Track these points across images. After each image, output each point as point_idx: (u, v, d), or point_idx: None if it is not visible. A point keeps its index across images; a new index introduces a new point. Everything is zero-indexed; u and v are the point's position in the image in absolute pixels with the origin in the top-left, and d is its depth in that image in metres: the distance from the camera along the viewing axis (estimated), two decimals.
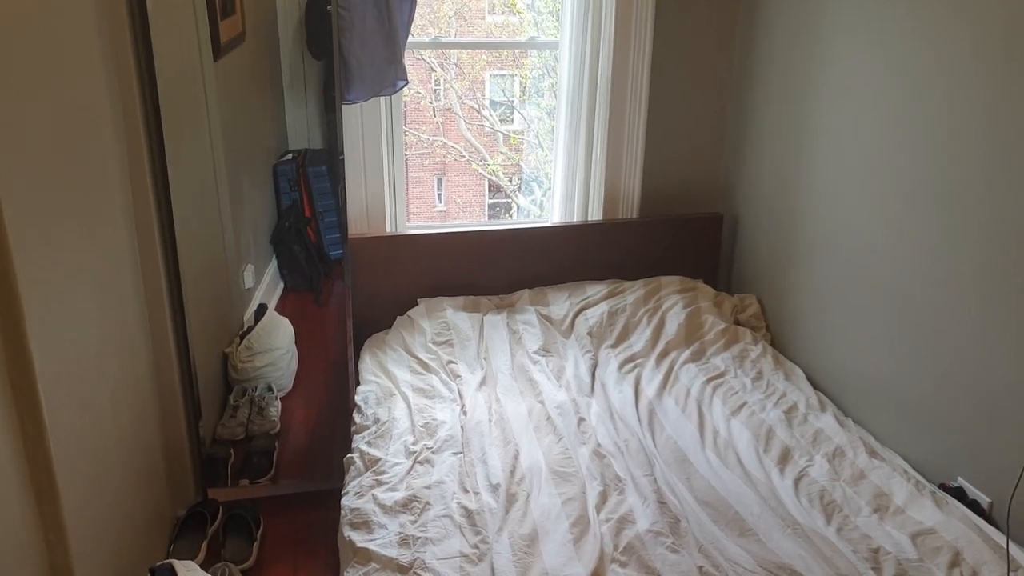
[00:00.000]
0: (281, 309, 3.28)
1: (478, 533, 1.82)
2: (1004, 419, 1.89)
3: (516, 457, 2.08)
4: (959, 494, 1.98)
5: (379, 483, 1.99)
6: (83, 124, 1.78)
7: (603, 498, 1.93)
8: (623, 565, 1.72)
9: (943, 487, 2.00)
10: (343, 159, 2.73)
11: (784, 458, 2.12)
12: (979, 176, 1.93)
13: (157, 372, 2.25)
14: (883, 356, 2.29)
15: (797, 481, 2.03)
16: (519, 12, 5.60)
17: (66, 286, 1.66)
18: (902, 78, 2.16)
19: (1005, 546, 1.70)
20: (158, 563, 1.86)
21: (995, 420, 1.92)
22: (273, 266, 3.41)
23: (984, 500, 1.95)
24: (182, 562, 1.88)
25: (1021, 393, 1.84)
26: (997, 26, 1.85)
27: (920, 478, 2.02)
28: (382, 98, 2.72)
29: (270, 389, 2.69)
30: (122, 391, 1.97)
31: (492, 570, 1.71)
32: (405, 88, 2.71)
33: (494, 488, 1.96)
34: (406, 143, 5.95)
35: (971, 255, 1.97)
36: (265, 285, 3.26)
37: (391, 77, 2.55)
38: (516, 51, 5.76)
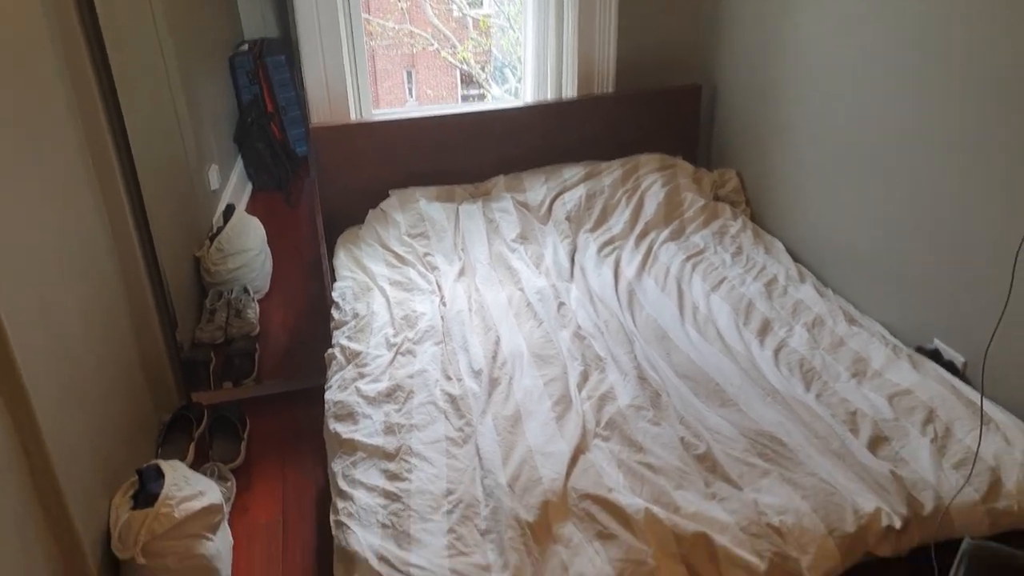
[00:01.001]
0: (251, 210, 3.19)
1: (462, 417, 1.83)
2: (978, 281, 1.89)
3: (497, 343, 2.07)
4: (935, 356, 2.00)
5: (361, 375, 1.99)
6: (9, 21, 1.65)
7: (584, 377, 1.94)
8: (605, 440, 1.74)
9: (919, 350, 2.03)
10: (299, 47, 2.58)
11: (764, 330, 2.13)
12: (961, 39, 1.85)
13: (125, 278, 2.20)
14: (862, 225, 2.26)
15: (777, 351, 2.05)
16: None
17: (13, 196, 1.59)
18: None
19: (979, 402, 1.72)
20: (145, 464, 1.87)
21: (969, 282, 1.92)
22: (239, 165, 3.30)
23: (959, 360, 1.97)
24: (168, 462, 1.90)
25: (993, 255, 1.83)
26: None
27: (897, 342, 2.04)
28: None
29: (246, 291, 2.65)
30: (89, 299, 1.93)
31: (477, 450, 1.72)
32: None
33: (477, 374, 1.97)
34: (371, 33, 5.69)
35: (949, 123, 1.92)
36: (232, 185, 3.16)
37: None
38: None
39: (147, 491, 1.80)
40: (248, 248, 2.69)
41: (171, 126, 2.56)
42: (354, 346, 2.09)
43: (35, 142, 1.72)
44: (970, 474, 1.59)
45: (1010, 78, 1.74)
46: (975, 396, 1.78)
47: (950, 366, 1.96)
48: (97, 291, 1.99)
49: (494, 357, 2.02)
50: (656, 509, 1.53)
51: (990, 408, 1.75)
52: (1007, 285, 1.72)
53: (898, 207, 2.13)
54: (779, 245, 2.55)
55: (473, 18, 5.82)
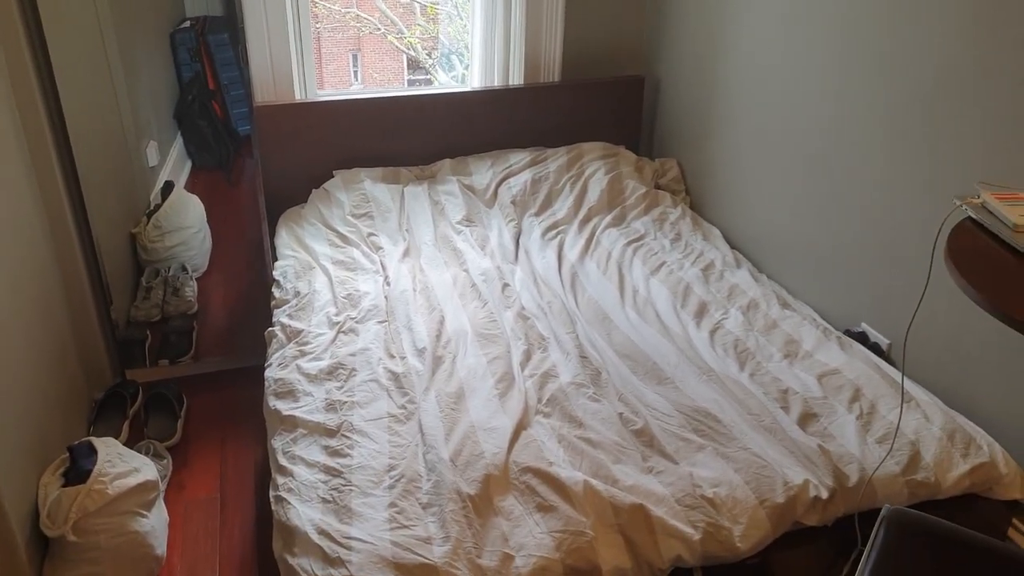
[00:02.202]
0: (191, 187, 3.12)
1: (405, 394, 1.83)
2: (900, 268, 1.99)
3: (441, 323, 2.08)
4: (862, 338, 2.09)
5: (303, 353, 1.97)
6: None
7: (527, 356, 1.96)
8: (547, 416, 1.77)
9: (848, 332, 2.12)
10: (243, 26, 2.53)
11: (701, 312, 2.19)
12: (886, 35, 1.94)
13: (58, 255, 2.14)
14: (795, 213, 2.35)
15: (713, 332, 2.11)
16: None
17: None
18: None
19: (900, 381, 1.81)
20: (76, 441, 1.83)
21: (893, 269, 2.02)
22: (179, 143, 3.22)
23: (884, 342, 2.07)
24: (101, 439, 1.85)
25: (914, 244, 1.93)
26: None
27: (828, 325, 2.12)
28: None
29: (184, 269, 2.60)
30: (20, 275, 1.86)
31: (420, 427, 1.73)
32: None
33: (420, 352, 1.97)
34: (317, 15, 5.59)
35: (875, 116, 2.01)
36: (172, 163, 3.09)
37: None
38: None
39: (79, 468, 1.76)
40: (186, 226, 2.63)
41: (108, 101, 2.49)
42: (295, 324, 2.07)
43: None
44: (891, 448, 1.67)
45: (928, 77, 1.84)
46: (898, 376, 1.86)
47: (876, 348, 2.05)
48: (29, 267, 1.93)
49: (438, 336, 2.03)
50: (595, 482, 1.56)
51: (911, 387, 1.85)
52: (927, 273, 1.81)
53: (827, 197, 2.22)
54: (716, 232, 2.62)
55: (421, 4, 5.79)
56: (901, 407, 1.76)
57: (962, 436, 1.70)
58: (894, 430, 1.71)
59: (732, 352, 2.03)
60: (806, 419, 1.79)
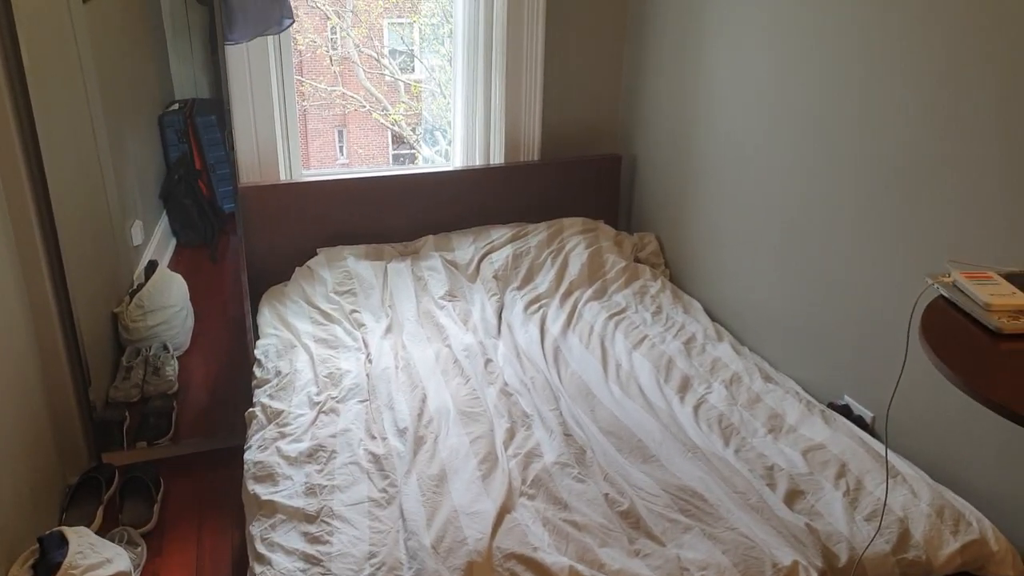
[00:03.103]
0: (175, 266, 3.12)
1: (386, 477, 1.81)
2: (881, 340, 2.01)
3: (423, 401, 2.07)
4: (845, 411, 2.09)
5: (283, 435, 1.95)
6: None
7: (511, 434, 1.95)
8: (531, 498, 1.75)
9: (831, 406, 2.12)
10: (229, 107, 2.59)
11: (684, 386, 2.19)
12: (856, 116, 2.01)
13: (37, 336, 2.12)
14: (774, 287, 2.38)
15: (696, 407, 2.10)
16: None
17: None
18: (789, 23, 2.21)
19: (885, 456, 1.81)
20: (47, 532, 1.77)
21: (874, 341, 2.03)
22: (164, 222, 3.24)
23: (867, 415, 2.07)
24: (73, 528, 1.80)
25: (895, 314, 1.95)
26: None
27: (811, 399, 2.13)
28: (270, 41, 2.60)
29: (165, 348, 2.58)
30: None
31: (401, 512, 1.70)
32: (300, 37, 2.60)
33: (402, 432, 1.95)
34: (303, 94, 5.73)
35: (848, 193, 2.06)
36: (156, 242, 3.10)
37: (276, 15, 2.42)
38: None
39: (49, 560, 1.70)
40: (169, 304, 2.62)
41: (95, 182, 2.52)
42: (276, 405, 2.05)
43: None
44: (879, 526, 1.65)
45: (898, 154, 1.89)
46: (883, 450, 1.86)
47: (859, 421, 2.05)
48: (5, 346, 1.91)
49: (420, 415, 2.01)
50: (580, 567, 1.53)
51: (896, 461, 1.84)
52: (904, 346, 1.83)
53: (804, 271, 2.25)
54: (697, 305, 2.64)
55: (405, 83, 5.94)
56: (887, 483, 1.75)
57: (951, 512, 1.68)
58: (882, 507, 1.69)
59: (716, 428, 2.02)
60: (793, 496, 1.77)
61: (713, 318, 2.58)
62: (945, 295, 1.37)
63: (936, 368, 1.20)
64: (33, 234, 2.05)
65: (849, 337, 2.11)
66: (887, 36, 1.89)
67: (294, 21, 2.47)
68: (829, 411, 2.06)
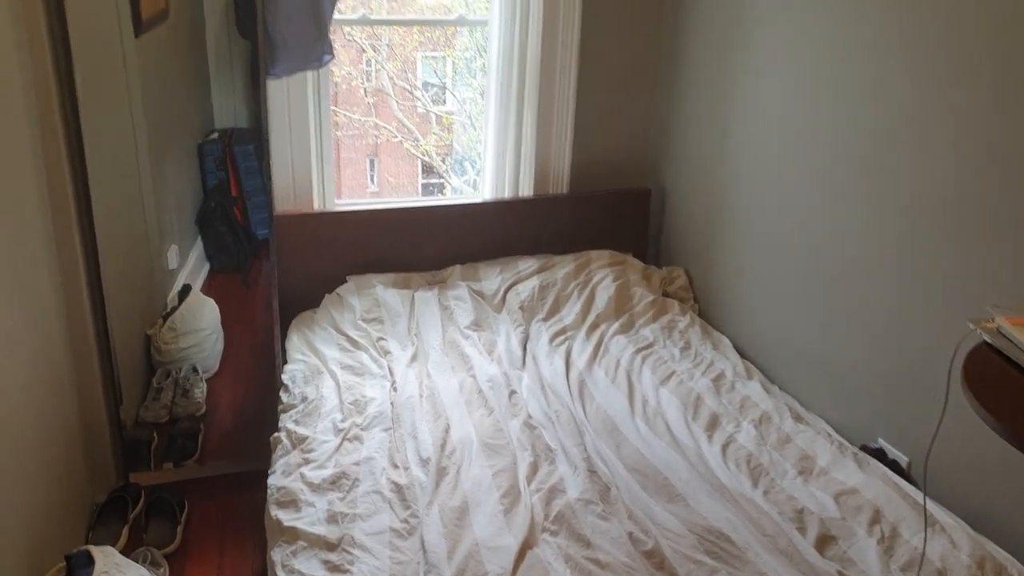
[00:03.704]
0: (207, 290, 3.18)
1: (408, 507, 1.80)
2: (919, 382, 1.96)
3: (447, 431, 2.06)
4: (879, 455, 2.04)
5: (307, 461, 1.95)
6: None
7: (534, 469, 1.93)
8: (554, 534, 1.73)
9: (864, 448, 2.07)
10: (268, 136, 2.64)
11: (712, 425, 2.16)
12: (895, 150, 1.99)
13: (74, 355, 2.16)
14: (806, 324, 2.35)
15: (725, 447, 2.07)
16: None
17: None
18: (824, 55, 2.21)
19: (923, 503, 1.76)
20: (75, 550, 1.79)
21: (911, 383, 1.99)
22: (199, 247, 3.31)
23: (903, 460, 2.02)
24: (100, 548, 1.81)
25: (934, 356, 1.91)
26: (917, 5, 1.90)
27: (843, 440, 2.08)
28: (309, 75, 2.66)
29: (195, 370, 2.61)
30: (36, 375, 1.88)
31: (422, 543, 1.69)
32: (336, 69, 2.65)
33: (424, 462, 1.95)
34: (337, 124, 5.83)
35: (886, 228, 2.03)
36: (190, 266, 3.16)
37: (317, 52, 2.48)
38: (447, 32, 5.69)
39: None
40: (201, 328, 2.66)
41: (136, 207, 2.59)
42: (301, 430, 2.06)
43: (1, 212, 1.72)
44: None
45: (943, 192, 1.86)
46: (919, 497, 1.81)
47: (894, 465, 2.00)
48: (44, 365, 1.95)
49: (443, 445, 2.01)
50: None
51: (935, 509, 1.78)
52: (944, 390, 1.78)
53: (837, 309, 2.22)
54: (726, 341, 2.62)
55: (436, 114, 6.03)
56: (925, 531, 1.70)
57: (992, 564, 1.62)
58: (919, 557, 1.64)
59: (745, 468, 1.98)
60: (824, 542, 1.73)
61: (743, 355, 2.55)
62: (988, 341, 1.34)
63: (978, 415, 1.17)
64: (76, 254, 2.11)
65: (883, 378, 2.07)
66: (928, 70, 1.88)
67: (333, 57, 2.53)
68: (862, 454, 2.02)
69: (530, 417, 2.14)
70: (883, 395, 2.08)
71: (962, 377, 1.26)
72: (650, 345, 2.56)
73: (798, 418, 2.19)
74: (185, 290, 2.78)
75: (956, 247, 1.83)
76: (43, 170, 1.98)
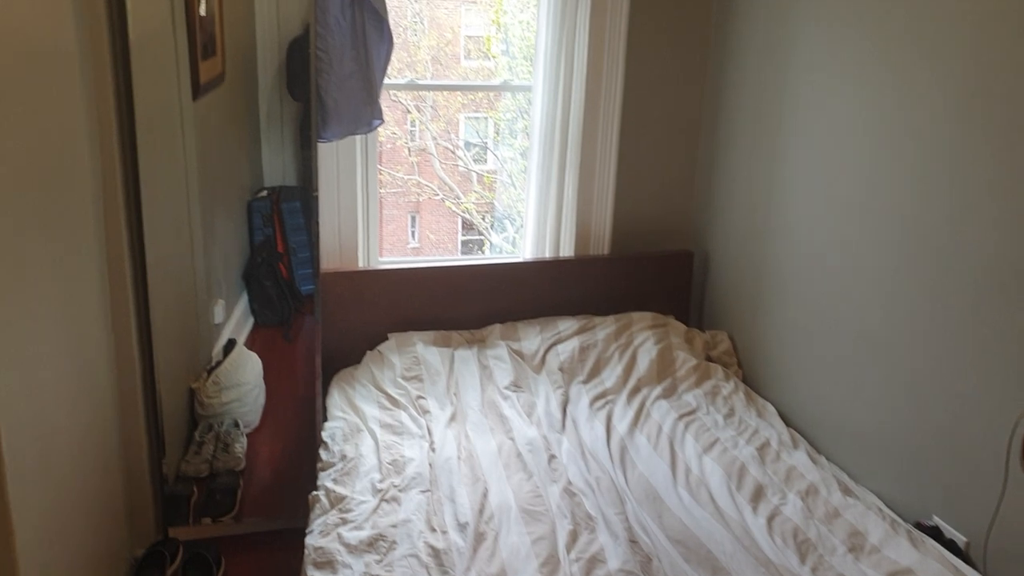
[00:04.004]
0: (251, 344, 3.23)
1: (445, 573, 1.77)
2: (977, 457, 1.89)
3: (485, 495, 2.04)
4: (935, 533, 1.96)
5: (344, 521, 1.94)
6: (58, 156, 1.77)
7: (573, 537, 1.89)
8: None
9: (919, 526, 1.99)
10: (317, 195, 2.72)
11: (757, 496, 2.10)
12: (946, 216, 1.96)
13: (121, 406, 2.20)
14: (855, 393, 2.29)
15: (770, 519, 2.01)
16: (494, 57, 5.69)
17: (32, 316, 1.63)
18: (869, 120, 2.21)
19: None
20: None
21: (969, 459, 1.92)
22: (244, 301, 3.38)
23: (960, 540, 1.93)
24: None
25: (993, 432, 1.85)
26: (963, 71, 1.90)
27: (895, 517, 2.01)
28: (358, 137, 2.73)
29: (236, 425, 2.63)
30: (84, 425, 1.92)
31: None
32: (381, 128, 2.72)
33: (462, 527, 1.92)
34: (381, 181, 5.97)
35: (939, 295, 1.99)
36: (235, 320, 3.22)
37: (367, 117, 2.56)
38: (490, 94, 5.84)
39: None
40: (244, 382, 2.69)
41: (186, 264, 2.66)
42: (339, 490, 2.05)
43: (61, 266, 1.78)
44: None
45: (999, 263, 1.82)
46: None
47: (951, 545, 1.91)
48: (93, 417, 1.99)
49: (481, 510, 1.98)
50: None
51: None
52: (1003, 468, 1.72)
53: (887, 378, 2.17)
54: (771, 409, 2.56)
55: (478, 173, 6.14)
56: None
57: None
58: None
59: (792, 542, 1.92)
60: None
61: (788, 423, 2.50)
62: None
63: None
64: (127, 308, 2.17)
65: (939, 452, 2.00)
66: (975, 137, 1.87)
67: (383, 123, 2.60)
68: (917, 532, 1.94)
69: (570, 483, 2.10)
70: (938, 470, 2.01)
71: (1021, 459, 1.21)
72: (693, 411, 2.52)
73: (847, 491, 2.12)
74: (230, 344, 2.82)
75: (1013, 318, 1.79)
76: (102, 225, 2.05)
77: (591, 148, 2.92)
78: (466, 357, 2.74)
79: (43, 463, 1.67)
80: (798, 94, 2.51)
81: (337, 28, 2.42)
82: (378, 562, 1.80)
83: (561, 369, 2.72)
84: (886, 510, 2.03)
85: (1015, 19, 1.75)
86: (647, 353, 2.77)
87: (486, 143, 6.20)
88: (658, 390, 2.64)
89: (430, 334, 2.82)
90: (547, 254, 3.03)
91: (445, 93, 5.91)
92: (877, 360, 2.20)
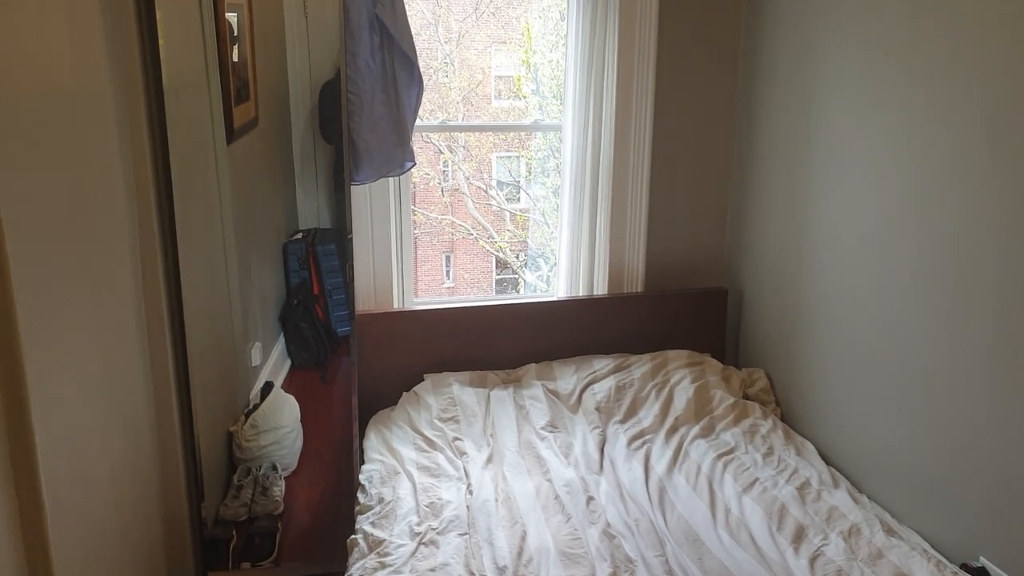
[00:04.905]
0: (288, 387, 3.26)
1: None
2: (1022, 497, 1.84)
3: (523, 538, 2.03)
4: (982, 574, 1.91)
5: (383, 565, 1.94)
6: (96, 201, 1.82)
7: None
8: None
9: (965, 567, 1.94)
10: (351, 238, 2.76)
11: (799, 536, 2.06)
12: (987, 246, 1.93)
13: (160, 451, 2.24)
14: (896, 431, 2.25)
15: (813, 560, 1.97)
16: (524, 97, 5.77)
17: (72, 362, 1.67)
18: (904, 150, 2.20)
19: None
20: None
21: (1015, 497, 1.87)
22: (281, 344, 3.43)
23: None
24: None
25: None
26: (1001, 93, 1.89)
27: (941, 557, 1.96)
28: (391, 179, 2.78)
29: (275, 468, 2.66)
30: (123, 471, 1.95)
31: None
32: (414, 169, 2.77)
33: (501, 571, 1.91)
34: (415, 222, 6.05)
35: (981, 327, 1.96)
36: (272, 363, 3.26)
37: (399, 159, 2.61)
38: (521, 133, 5.92)
39: None
40: (282, 425, 2.72)
41: (223, 305, 2.70)
42: (377, 533, 2.06)
43: (101, 310, 1.83)
44: None
45: None
46: None
47: None
48: (132, 461, 2.02)
49: (519, 553, 1.97)
50: None
51: None
52: None
53: (931, 416, 2.12)
54: (811, 447, 2.52)
55: (511, 212, 6.19)
56: None
57: None
58: None
59: None
60: None
61: (828, 462, 2.45)
62: None
63: None
64: (166, 353, 2.21)
65: (984, 491, 1.95)
66: (1015, 168, 1.85)
67: (415, 164, 2.65)
68: (964, 574, 1.88)
69: (609, 525, 2.08)
70: (984, 509, 1.95)
71: None
72: (732, 450, 2.49)
73: (890, 531, 2.07)
74: (267, 387, 2.86)
75: None
76: (139, 270, 2.10)
77: (622, 186, 2.94)
78: (502, 397, 2.74)
79: (83, 509, 1.70)
80: (830, 129, 2.50)
81: (367, 71, 2.48)
82: None
83: (598, 409, 2.71)
84: (931, 551, 1.98)
85: None
86: (684, 392, 2.74)
87: (518, 182, 6.26)
88: (696, 429, 2.61)
89: (466, 374, 2.84)
90: (581, 292, 3.05)
91: (477, 133, 6.00)
92: (918, 396, 2.16)
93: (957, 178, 2.00)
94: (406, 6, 2.53)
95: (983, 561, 1.95)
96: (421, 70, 2.59)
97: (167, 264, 2.21)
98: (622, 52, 2.81)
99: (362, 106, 2.50)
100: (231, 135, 2.77)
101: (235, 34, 2.84)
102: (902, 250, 2.21)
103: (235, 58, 2.84)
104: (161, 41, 2.04)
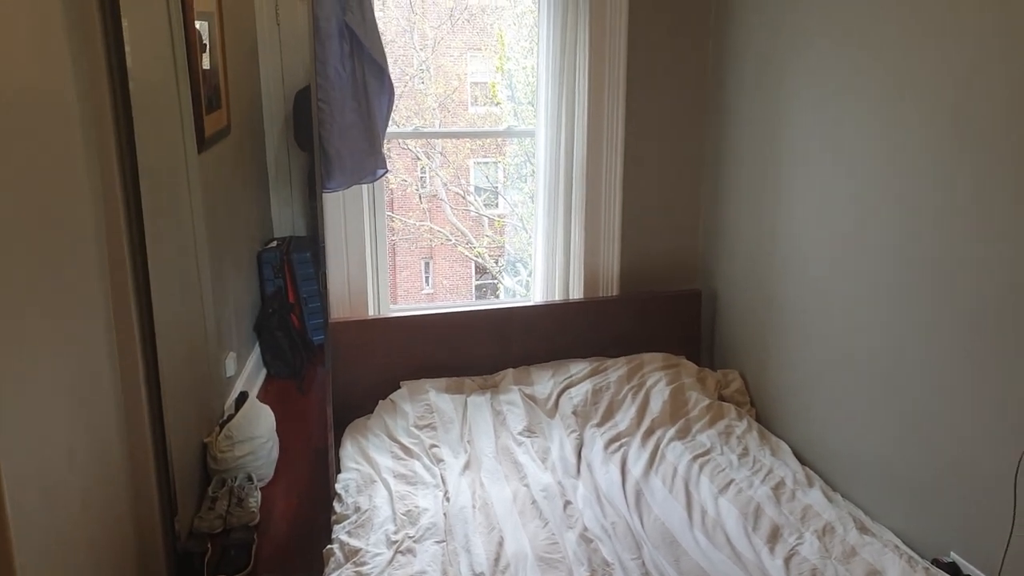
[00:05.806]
0: (263, 396, 3.24)
1: None
2: (993, 492, 1.87)
3: (501, 544, 2.02)
4: (953, 570, 1.93)
5: (359, 575, 1.93)
6: (62, 212, 1.79)
7: None
8: None
9: (936, 563, 1.96)
10: (324, 245, 2.75)
11: (774, 536, 2.07)
12: (958, 246, 1.96)
13: (132, 465, 2.20)
14: (868, 430, 2.27)
15: (788, 560, 1.98)
16: (499, 103, 5.79)
17: (37, 375, 1.64)
18: (872, 151, 2.23)
19: None
20: None
21: (985, 493, 1.89)
22: (256, 353, 3.40)
23: None
24: None
25: (1009, 467, 1.82)
26: (967, 86, 1.92)
27: (912, 554, 1.98)
28: (364, 186, 2.77)
29: (250, 479, 2.63)
30: (93, 484, 1.92)
31: None
32: (391, 176, 2.76)
33: None
34: (393, 228, 6.04)
35: (952, 327, 1.98)
36: (247, 372, 3.24)
37: (371, 167, 2.60)
38: (499, 139, 5.92)
39: None
40: (257, 436, 2.70)
41: (195, 315, 2.67)
42: (354, 543, 2.05)
43: (67, 323, 1.80)
44: None
45: (1011, 297, 1.81)
46: None
47: None
48: (102, 476, 1.99)
49: (497, 559, 1.96)
50: None
51: None
52: (1012, 503, 1.69)
53: (901, 414, 2.15)
54: (785, 447, 2.54)
55: (489, 217, 6.20)
56: None
57: None
58: None
59: None
60: None
61: (803, 461, 2.47)
62: None
63: None
64: (136, 364, 2.17)
65: (955, 487, 1.98)
66: (987, 161, 1.88)
67: (387, 172, 2.64)
68: (935, 569, 1.90)
69: (586, 529, 2.08)
70: (955, 506, 1.98)
71: None
72: (707, 452, 2.50)
73: (863, 529, 2.09)
74: (242, 397, 2.83)
75: (1017, 353, 1.77)
76: (108, 280, 2.06)
77: (595, 190, 2.95)
78: (479, 403, 2.74)
79: (50, 524, 1.67)
80: (799, 131, 2.53)
81: (337, 79, 2.47)
82: None
83: (575, 413, 2.71)
84: (903, 547, 2.00)
85: (1010, 41, 1.77)
86: (660, 394, 2.75)
87: (496, 187, 6.27)
88: (672, 431, 2.62)
89: (442, 381, 2.83)
90: (557, 296, 3.05)
91: (454, 139, 6.00)
92: (889, 395, 2.19)
93: (927, 177, 2.03)
94: (380, 13, 2.52)
95: (954, 556, 1.97)
96: (393, 77, 2.59)
97: (136, 274, 2.17)
98: (593, 58, 2.82)
99: (332, 114, 2.48)
100: (202, 144, 2.74)
101: (205, 42, 2.81)
102: (873, 249, 2.23)
103: (206, 65, 2.81)
104: (127, 49, 2.02)
